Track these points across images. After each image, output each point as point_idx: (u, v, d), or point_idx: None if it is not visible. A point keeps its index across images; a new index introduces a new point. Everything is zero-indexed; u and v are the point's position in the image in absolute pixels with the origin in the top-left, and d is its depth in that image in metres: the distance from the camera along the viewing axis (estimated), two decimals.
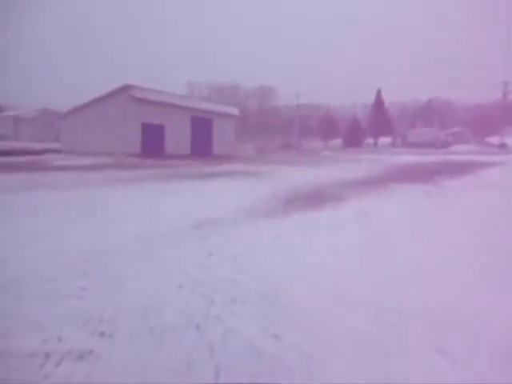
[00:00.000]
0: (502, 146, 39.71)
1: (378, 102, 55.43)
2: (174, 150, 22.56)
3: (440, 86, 75.02)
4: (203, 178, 11.41)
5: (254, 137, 47.58)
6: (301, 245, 4.46)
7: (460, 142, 45.71)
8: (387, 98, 56.05)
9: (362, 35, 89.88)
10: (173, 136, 23.11)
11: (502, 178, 11.92)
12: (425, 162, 18.88)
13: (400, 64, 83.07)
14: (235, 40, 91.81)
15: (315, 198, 8.03)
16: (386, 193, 8.72)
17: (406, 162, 18.57)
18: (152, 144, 21.82)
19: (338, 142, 56.80)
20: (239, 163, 18.22)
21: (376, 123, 52.83)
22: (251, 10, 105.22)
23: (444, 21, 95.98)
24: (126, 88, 20.87)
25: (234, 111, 29.86)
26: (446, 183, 10.66)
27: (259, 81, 60.14)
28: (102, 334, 2.40)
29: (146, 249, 4.21)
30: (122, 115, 20.62)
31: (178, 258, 3.91)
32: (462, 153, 28.88)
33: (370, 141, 54.91)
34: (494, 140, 43.92)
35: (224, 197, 8.03)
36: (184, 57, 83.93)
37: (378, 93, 55.75)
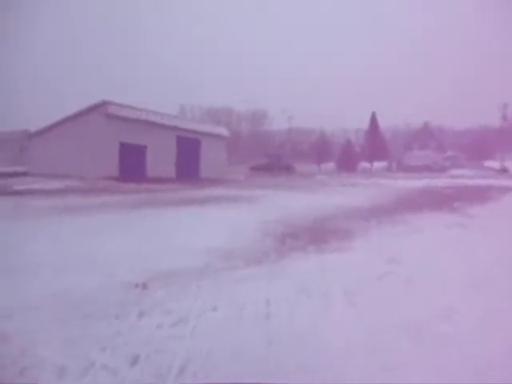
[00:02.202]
0: (504, 170, 36.82)
1: (373, 125, 54.15)
2: (157, 173, 20.52)
3: (431, 110, 74.60)
4: (178, 205, 9.38)
5: (246, 160, 45.85)
6: (310, 334, 2.46)
7: (456, 166, 44.41)
8: (380, 122, 54.90)
9: (356, 61, 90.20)
10: (156, 158, 21.10)
11: None
12: (432, 186, 17.11)
13: (391, 88, 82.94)
14: (232, 66, 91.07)
15: (317, 233, 6.11)
16: (405, 226, 6.87)
17: (411, 187, 16.77)
18: (132, 166, 19.75)
19: (331, 165, 55.33)
20: (227, 187, 16.29)
21: (371, 147, 51.38)
22: (250, 37, 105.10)
23: (435, 49, 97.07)
24: (102, 104, 19.01)
25: (224, 132, 28.06)
26: (471, 211, 8.91)
27: (253, 105, 58.41)
28: None
29: (18, 344, 2.17)
30: (97, 134, 18.60)
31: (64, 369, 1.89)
32: (465, 177, 27.19)
33: (365, 165, 53.49)
34: (494, 164, 41.90)
35: (195, 232, 6.03)
36: (177, 82, 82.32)
37: (373, 116, 54.54)
